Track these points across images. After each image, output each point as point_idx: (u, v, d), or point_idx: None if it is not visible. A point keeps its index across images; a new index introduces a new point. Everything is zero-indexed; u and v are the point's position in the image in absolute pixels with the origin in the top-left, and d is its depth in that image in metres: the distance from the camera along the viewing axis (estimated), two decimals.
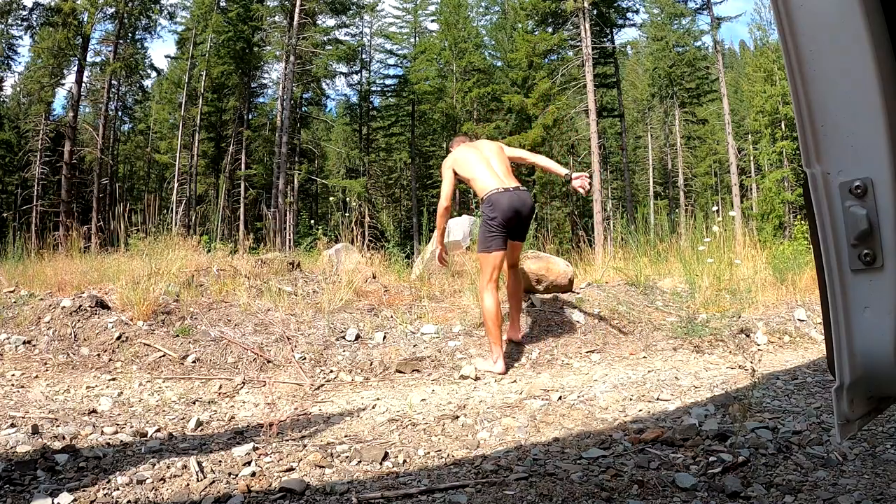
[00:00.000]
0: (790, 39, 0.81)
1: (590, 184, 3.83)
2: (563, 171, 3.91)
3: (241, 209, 27.18)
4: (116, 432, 2.50)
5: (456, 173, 3.86)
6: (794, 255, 6.87)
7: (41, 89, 25.22)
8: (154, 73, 30.33)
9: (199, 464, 2.02)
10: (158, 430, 2.54)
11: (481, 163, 3.80)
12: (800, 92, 0.81)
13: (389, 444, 2.31)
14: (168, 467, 2.01)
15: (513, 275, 3.98)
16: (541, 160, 4.16)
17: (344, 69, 30.67)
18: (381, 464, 2.10)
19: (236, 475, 1.98)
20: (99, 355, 3.71)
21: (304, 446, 2.28)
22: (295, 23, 25.09)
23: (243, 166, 28.08)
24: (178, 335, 3.94)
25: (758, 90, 30.29)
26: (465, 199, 28.38)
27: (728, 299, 4.66)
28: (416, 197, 30.64)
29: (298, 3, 24.90)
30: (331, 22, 28.60)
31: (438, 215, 3.99)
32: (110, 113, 27.09)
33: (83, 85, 25.12)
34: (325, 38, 27.77)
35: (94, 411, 2.83)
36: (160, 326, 4.04)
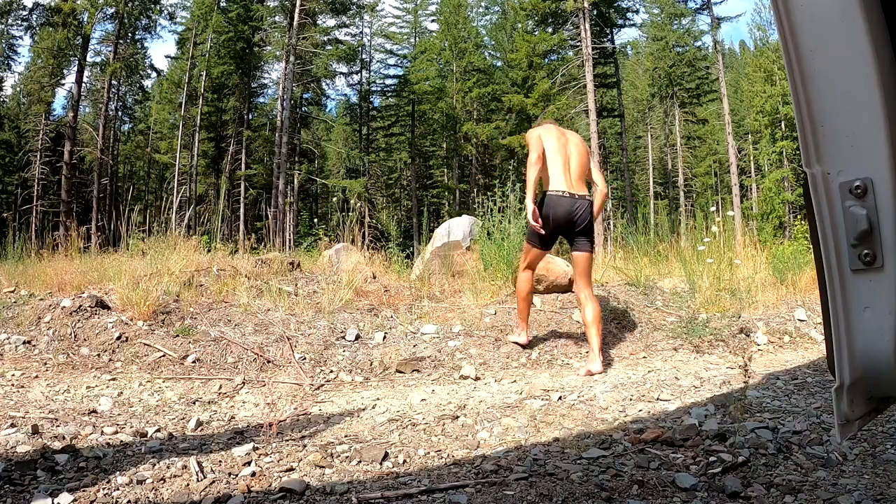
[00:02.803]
0: (790, 39, 0.81)
1: None
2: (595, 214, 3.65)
3: (241, 209, 27.18)
4: (116, 432, 2.50)
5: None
6: (794, 255, 6.87)
7: (41, 89, 25.20)
8: (154, 73, 30.36)
9: (199, 464, 2.02)
10: (158, 430, 2.54)
11: (560, 156, 3.51)
12: (800, 92, 0.81)
13: (389, 444, 2.31)
14: (168, 467, 2.01)
15: (584, 300, 3.53)
16: (598, 199, 3.70)
17: (344, 69, 30.70)
18: (381, 464, 2.10)
19: (236, 475, 1.98)
20: (99, 355, 3.71)
21: (304, 446, 2.28)
22: (295, 23, 25.08)
23: (243, 166, 28.08)
24: (178, 335, 3.94)
25: (758, 90, 30.29)
26: (465, 200, 28.38)
27: (728, 299, 4.66)
28: (416, 197, 30.64)
29: (298, 3, 24.89)
30: (331, 22, 28.60)
31: (529, 165, 3.45)
32: (110, 113, 27.09)
33: (83, 85, 25.12)
34: (325, 38, 27.76)
35: (94, 411, 2.83)
36: (160, 326, 4.04)
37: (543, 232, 3.47)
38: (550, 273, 4.72)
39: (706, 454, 2.02)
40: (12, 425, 2.52)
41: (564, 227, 3.47)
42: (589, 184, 3.67)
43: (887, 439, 2.13)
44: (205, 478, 1.94)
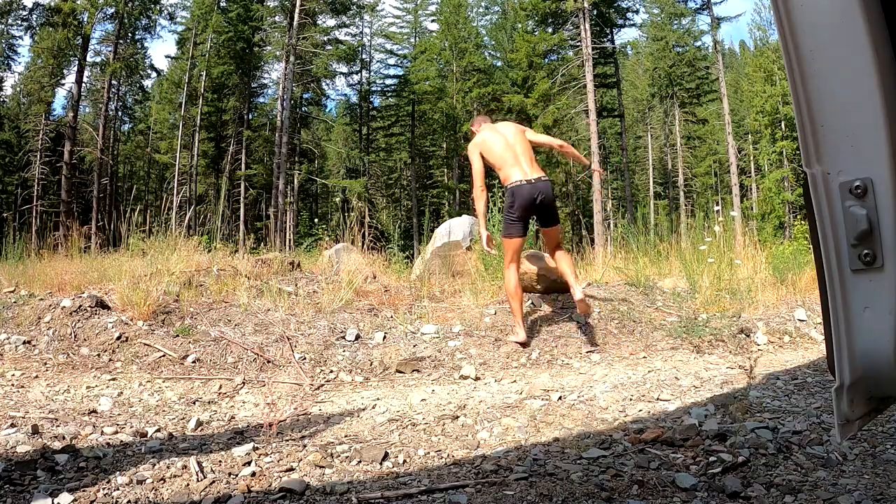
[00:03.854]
0: (790, 39, 0.81)
1: (601, 180, 4.29)
2: (585, 161, 4.40)
3: (242, 209, 27.17)
4: (116, 432, 2.50)
5: (483, 157, 4.01)
6: (794, 255, 6.87)
7: (41, 89, 25.19)
8: (154, 73, 30.35)
9: (199, 464, 2.02)
10: (158, 430, 2.54)
11: (507, 151, 3.94)
12: (799, 91, 0.81)
13: (389, 444, 2.31)
14: (168, 467, 2.01)
15: (558, 257, 4.02)
16: (566, 147, 4.35)
17: (344, 69, 30.67)
18: (381, 464, 2.10)
19: (236, 475, 1.98)
20: (99, 355, 3.71)
21: (304, 446, 2.28)
22: (295, 23, 25.08)
23: (243, 166, 28.07)
24: (178, 335, 3.94)
25: (758, 90, 30.27)
26: (464, 200, 28.37)
27: (728, 299, 4.66)
28: (416, 197, 30.63)
29: (298, 3, 24.88)
30: (331, 22, 28.59)
31: (475, 199, 4.00)
32: (110, 113, 27.07)
33: (83, 85, 25.11)
34: (325, 38, 27.75)
35: (94, 411, 2.83)
36: (160, 326, 4.04)
37: (492, 252, 4.19)
38: (550, 273, 4.71)
39: (706, 454, 2.02)
40: (12, 425, 2.52)
41: (532, 209, 3.90)
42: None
43: (887, 439, 2.13)
44: (205, 478, 1.94)
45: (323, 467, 2.06)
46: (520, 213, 3.87)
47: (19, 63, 28.76)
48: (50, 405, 2.91)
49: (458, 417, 2.64)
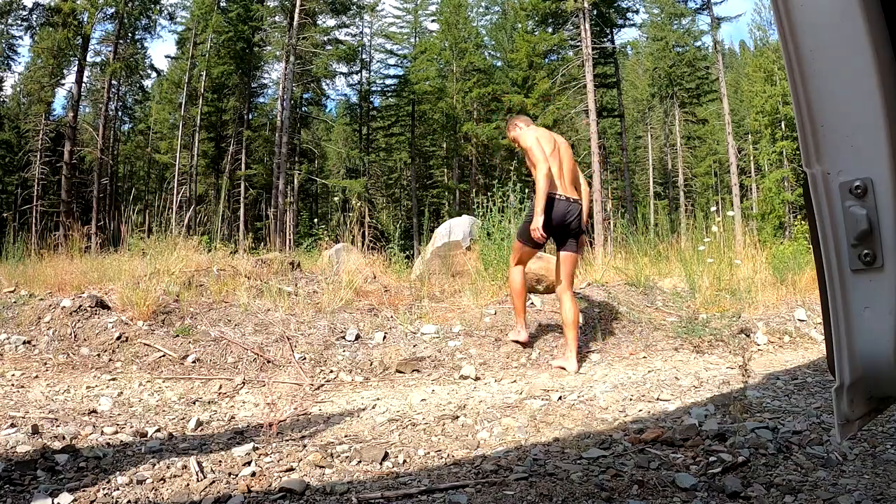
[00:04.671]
0: (790, 39, 0.81)
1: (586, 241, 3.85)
2: (584, 218, 3.78)
3: (242, 209, 27.18)
4: (116, 432, 2.50)
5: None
6: (794, 255, 6.87)
7: (41, 89, 25.19)
8: (154, 73, 30.35)
9: (199, 464, 2.02)
10: (158, 430, 2.54)
11: (555, 162, 3.68)
12: (799, 91, 0.81)
13: (389, 444, 2.31)
14: (168, 467, 2.01)
15: (566, 300, 3.71)
16: (585, 198, 3.83)
17: (344, 69, 30.68)
18: (381, 464, 2.10)
19: (236, 475, 1.98)
20: (99, 355, 3.71)
21: (304, 446, 2.28)
22: (295, 23, 25.08)
23: (243, 166, 28.07)
24: (178, 335, 3.94)
25: (758, 90, 30.27)
26: (465, 200, 28.38)
27: (728, 299, 4.66)
28: (416, 197, 30.63)
29: (298, 3, 24.88)
30: (331, 22, 28.59)
31: (541, 178, 3.53)
32: (110, 113, 27.06)
33: (83, 85, 25.10)
34: (325, 38, 27.76)
35: (94, 411, 2.83)
36: (160, 326, 4.04)
37: (545, 237, 3.62)
38: (550, 273, 4.71)
39: (706, 454, 2.02)
40: (12, 425, 2.52)
41: (558, 229, 3.67)
42: (576, 187, 3.83)
43: (887, 439, 2.13)
44: (205, 478, 1.94)
45: (323, 467, 2.06)
46: (548, 226, 3.58)
47: (19, 63, 28.89)
48: (50, 405, 2.91)
49: (458, 417, 2.64)
